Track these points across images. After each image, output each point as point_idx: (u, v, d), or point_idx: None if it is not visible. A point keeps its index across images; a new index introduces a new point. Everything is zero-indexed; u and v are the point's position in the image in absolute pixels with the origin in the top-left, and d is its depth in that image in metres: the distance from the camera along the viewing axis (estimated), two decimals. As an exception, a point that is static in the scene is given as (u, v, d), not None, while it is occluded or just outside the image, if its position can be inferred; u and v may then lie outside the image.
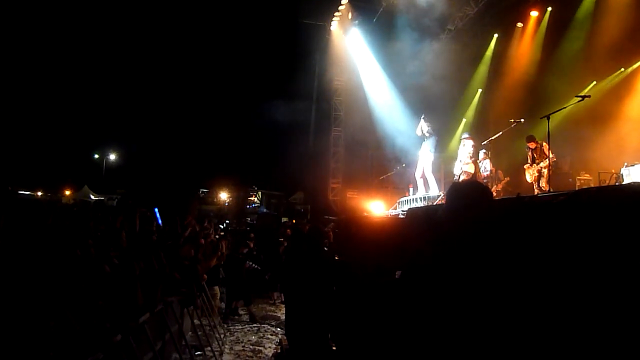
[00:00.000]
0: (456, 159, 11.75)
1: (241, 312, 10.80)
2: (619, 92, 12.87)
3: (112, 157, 41.10)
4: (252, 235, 12.28)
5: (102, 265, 4.98)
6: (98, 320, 3.98)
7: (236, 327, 9.73)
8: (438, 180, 11.82)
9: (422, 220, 5.63)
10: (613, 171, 10.20)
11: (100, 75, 35.83)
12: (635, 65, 12.92)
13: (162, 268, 6.05)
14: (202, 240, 8.91)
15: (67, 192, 34.00)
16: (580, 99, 8.41)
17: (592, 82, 13.02)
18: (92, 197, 31.81)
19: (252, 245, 11.88)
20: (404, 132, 15.31)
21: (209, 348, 7.55)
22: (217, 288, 10.12)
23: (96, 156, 40.98)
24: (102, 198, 31.63)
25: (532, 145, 10.12)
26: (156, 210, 9.59)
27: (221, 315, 10.25)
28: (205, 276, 8.55)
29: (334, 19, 19.45)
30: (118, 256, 5.67)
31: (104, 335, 3.92)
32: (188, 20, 30.63)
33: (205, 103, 36.02)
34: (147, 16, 30.48)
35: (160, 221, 9.39)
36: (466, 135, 11.63)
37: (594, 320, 2.36)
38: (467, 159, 11.18)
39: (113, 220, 7.63)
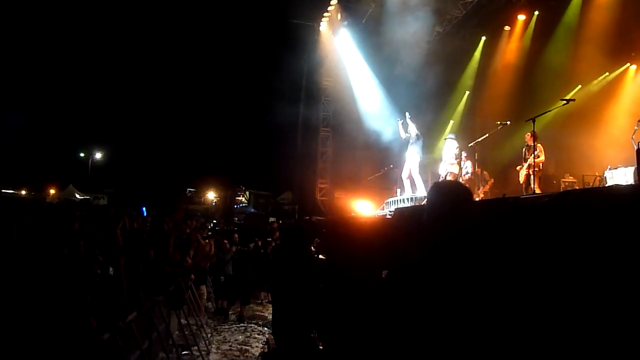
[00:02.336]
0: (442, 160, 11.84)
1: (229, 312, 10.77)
2: (604, 96, 13.09)
3: (98, 155, 40.56)
4: (236, 235, 12.24)
5: (91, 264, 4.95)
6: (85, 318, 3.95)
7: (223, 327, 9.70)
8: (425, 181, 11.89)
9: (409, 220, 5.68)
10: (597, 174, 10.33)
11: (87, 73, 35.47)
12: (619, 70, 13.14)
13: (149, 267, 6.03)
14: (194, 239, 8.90)
15: (52, 191, 33.48)
16: (565, 102, 8.51)
17: (578, 85, 13.21)
18: (78, 196, 31.39)
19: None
20: (392, 132, 15.38)
21: (195, 347, 7.54)
22: (204, 287, 10.09)
23: (82, 154, 40.39)
24: (88, 197, 31.25)
25: (529, 140, 9.36)
26: (144, 209, 9.57)
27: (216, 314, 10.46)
28: (193, 276, 8.54)
29: (323, 19, 19.45)
30: (103, 254, 5.64)
31: (91, 333, 3.90)
32: (176, 20, 30.44)
33: (192, 102, 35.84)
34: (134, 14, 30.26)
35: (145, 214, 9.36)
36: (451, 136, 11.71)
37: (578, 318, 2.41)
38: (452, 160, 11.27)
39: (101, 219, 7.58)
